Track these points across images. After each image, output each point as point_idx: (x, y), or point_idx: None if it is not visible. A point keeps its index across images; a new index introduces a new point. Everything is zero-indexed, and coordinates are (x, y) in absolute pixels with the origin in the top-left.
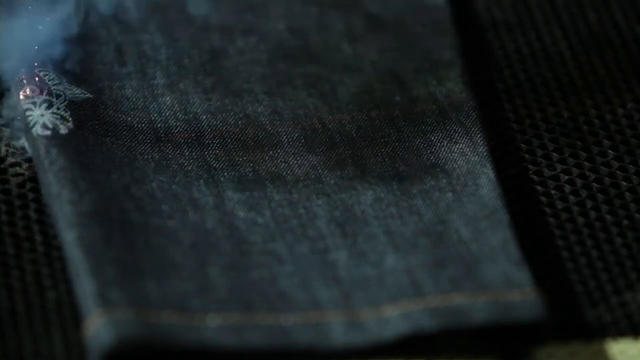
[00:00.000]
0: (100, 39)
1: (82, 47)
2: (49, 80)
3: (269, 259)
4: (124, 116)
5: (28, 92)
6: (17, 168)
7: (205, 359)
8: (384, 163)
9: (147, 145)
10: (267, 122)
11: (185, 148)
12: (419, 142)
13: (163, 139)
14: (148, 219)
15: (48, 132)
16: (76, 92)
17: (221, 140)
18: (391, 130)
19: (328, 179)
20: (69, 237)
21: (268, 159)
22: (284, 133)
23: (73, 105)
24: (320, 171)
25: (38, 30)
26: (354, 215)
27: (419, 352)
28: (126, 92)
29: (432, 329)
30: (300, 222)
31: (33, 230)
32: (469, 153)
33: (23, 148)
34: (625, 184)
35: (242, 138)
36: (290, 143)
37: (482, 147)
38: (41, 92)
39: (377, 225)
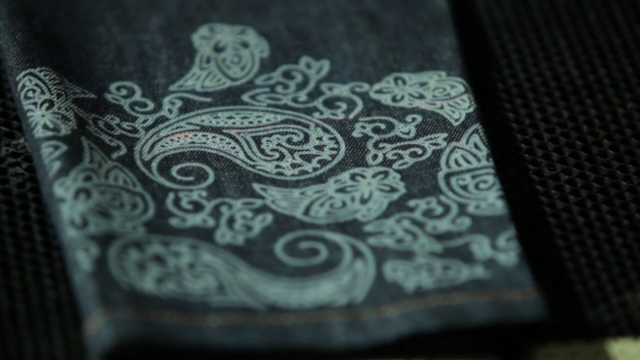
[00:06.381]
0: (101, 39)
1: (83, 47)
2: (50, 80)
3: (269, 259)
4: (125, 115)
5: (29, 93)
6: (17, 168)
7: (206, 359)
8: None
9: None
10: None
11: (186, 147)
12: (420, 141)
13: (164, 138)
14: None
15: (49, 133)
16: (77, 91)
17: (221, 139)
18: None
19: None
20: (69, 237)
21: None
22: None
23: (74, 105)
24: (322, 170)
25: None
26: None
27: (419, 352)
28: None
29: (433, 329)
30: (300, 222)
31: (33, 230)
32: (469, 153)
33: (23, 148)
34: (625, 183)
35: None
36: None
37: (482, 147)
38: (42, 93)
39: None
